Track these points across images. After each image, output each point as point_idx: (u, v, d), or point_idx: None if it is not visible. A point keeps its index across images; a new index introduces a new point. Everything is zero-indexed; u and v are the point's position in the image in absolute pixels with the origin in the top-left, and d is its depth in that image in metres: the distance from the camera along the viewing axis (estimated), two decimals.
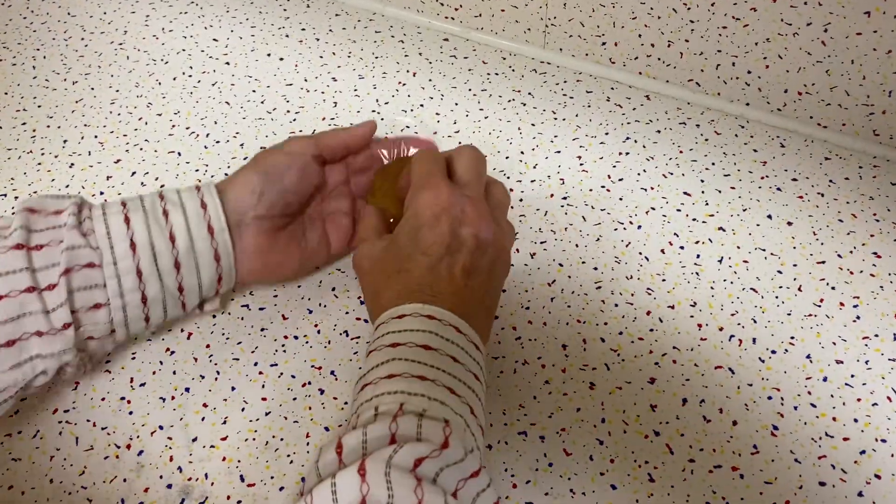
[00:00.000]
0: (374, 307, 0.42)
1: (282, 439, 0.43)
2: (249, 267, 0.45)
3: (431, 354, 0.36)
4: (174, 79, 0.66)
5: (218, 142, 0.60)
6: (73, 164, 0.59)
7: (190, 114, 0.63)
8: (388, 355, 0.36)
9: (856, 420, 0.44)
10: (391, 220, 0.47)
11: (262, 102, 0.64)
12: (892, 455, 0.42)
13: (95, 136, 0.61)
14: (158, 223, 0.42)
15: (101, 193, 0.57)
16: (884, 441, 0.43)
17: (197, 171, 0.58)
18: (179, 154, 0.60)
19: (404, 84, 0.65)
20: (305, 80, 0.65)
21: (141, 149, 0.60)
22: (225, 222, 0.43)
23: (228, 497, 0.41)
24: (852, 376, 0.45)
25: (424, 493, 0.30)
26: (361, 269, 0.44)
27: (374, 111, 0.62)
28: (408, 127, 0.61)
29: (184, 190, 0.44)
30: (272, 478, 0.42)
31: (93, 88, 0.66)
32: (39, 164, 0.59)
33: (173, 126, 0.62)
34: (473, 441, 0.35)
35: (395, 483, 0.30)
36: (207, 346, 0.48)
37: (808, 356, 0.46)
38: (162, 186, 0.57)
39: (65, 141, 0.61)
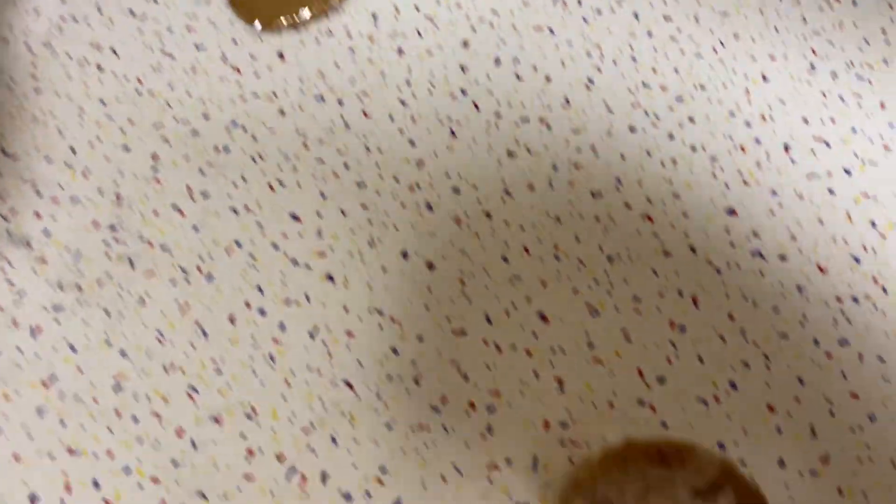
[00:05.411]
0: None
1: None
2: None
3: None
4: None
5: None
6: None
7: None
8: None
9: (677, 70, 0.41)
10: None
11: None
12: (709, 99, 0.40)
13: None
14: None
15: None
16: (703, 88, 0.40)
17: None
18: None
19: None
20: None
21: None
22: None
23: None
24: (679, 31, 0.42)
25: None
26: None
27: None
28: None
29: None
30: None
31: None
32: None
33: None
34: None
35: None
36: None
37: (636, 14, 0.43)
38: None
39: None
